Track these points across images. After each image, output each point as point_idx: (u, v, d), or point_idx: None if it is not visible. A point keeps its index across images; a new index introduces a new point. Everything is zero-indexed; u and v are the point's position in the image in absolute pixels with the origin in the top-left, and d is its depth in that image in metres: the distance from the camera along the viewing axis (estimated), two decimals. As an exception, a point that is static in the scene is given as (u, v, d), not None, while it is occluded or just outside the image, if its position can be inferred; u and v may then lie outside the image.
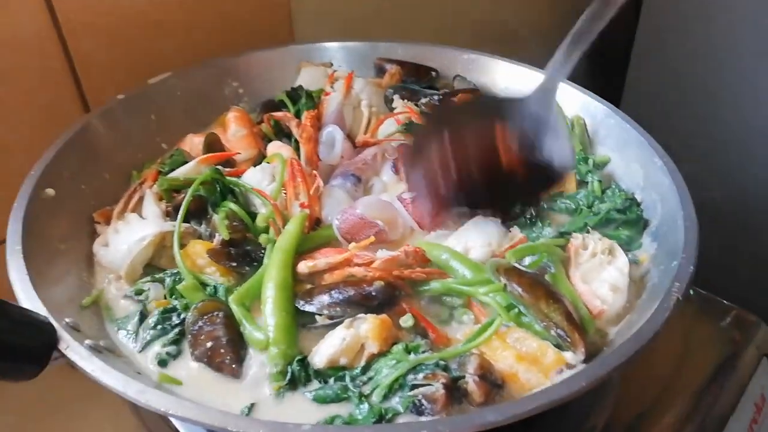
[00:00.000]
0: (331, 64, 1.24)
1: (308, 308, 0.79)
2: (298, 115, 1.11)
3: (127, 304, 0.85)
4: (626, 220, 0.90)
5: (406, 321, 0.77)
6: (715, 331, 1.01)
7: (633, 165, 0.96)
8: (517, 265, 0.80)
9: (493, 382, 0.70)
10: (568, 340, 0.73)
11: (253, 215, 0.91)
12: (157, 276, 0.86)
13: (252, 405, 0.71)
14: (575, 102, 1.07)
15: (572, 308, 0.76)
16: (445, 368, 0.72)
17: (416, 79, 1.20)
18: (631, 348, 0.68)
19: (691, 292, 0.75)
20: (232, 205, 0.90)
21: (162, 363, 0.77)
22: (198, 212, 0.93)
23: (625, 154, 0.99)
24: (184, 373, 0.76)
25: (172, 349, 0.78)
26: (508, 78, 1.16)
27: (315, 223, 0.92)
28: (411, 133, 0.96)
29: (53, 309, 0.73)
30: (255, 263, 0.85)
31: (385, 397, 0.70)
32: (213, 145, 1.04)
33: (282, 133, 1.10)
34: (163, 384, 0.74)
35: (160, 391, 0.67)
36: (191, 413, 0.62)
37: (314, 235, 0.90)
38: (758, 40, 1.50)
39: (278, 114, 1.10)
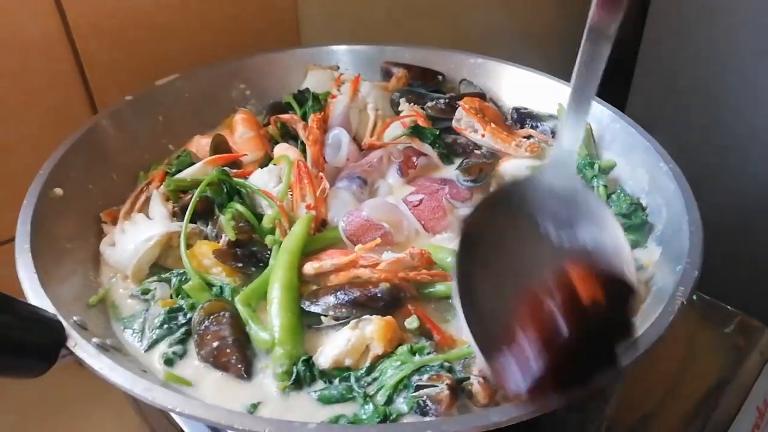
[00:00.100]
0: (338, 67, 1.24)
1: (314, 309, 0.79)
2: (304, 117, 1.11)
3: (134, 303, 0.85)
4: (631, 225, 0.90)
5: (411, 323, 0.77)
6: (718, 336, 1.01)
7: (638, 170, 0.96)
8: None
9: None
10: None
11: (259, 216, 0.91)
12: (163, 276, 0.87)
13: (257, 404, 0.72)
14: (581, 106, 1.07)
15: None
16: (450, 370, 0.72)
17: (423, 82, 1.20)
18: (635, 351, 0.68)
19: (695, 297, 0.75)
20: (239, 206, 0.91)
21: (168, 362, 0.77)
22: (204, 213, 0.93)
23: (630, 158, 0.99)
24: (190, 372, 0.76)
25: (178, 348, 0.78)
26: (515, 83, 1.16)
27: (321, 224, 0.93)
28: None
29: (61, 307, 0.73)
30: (261, 264, 0.85)
31: (390, 397, 0.71)
32: (220, 146, 1.04)
33: (288, 135, 1.11)
34: (169, 383, 0.74)
35: (166, 389, 0.68)
36: (198, 411, 0.63)
37: (320, 236, 0.91)
38: (762, 43, 1.50)
39: (285, 116, 1.11)
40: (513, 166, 1.04)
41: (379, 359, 0.74)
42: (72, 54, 1.09)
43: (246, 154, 1.04)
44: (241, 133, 1.08)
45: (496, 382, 0.63)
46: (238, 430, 0.61)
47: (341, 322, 0.78)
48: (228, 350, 0.76)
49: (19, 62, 1.04)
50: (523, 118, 1.12)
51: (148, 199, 0.96)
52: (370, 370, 0.74)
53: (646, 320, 0.73)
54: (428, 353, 0.74)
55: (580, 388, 0.52)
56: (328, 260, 0.84)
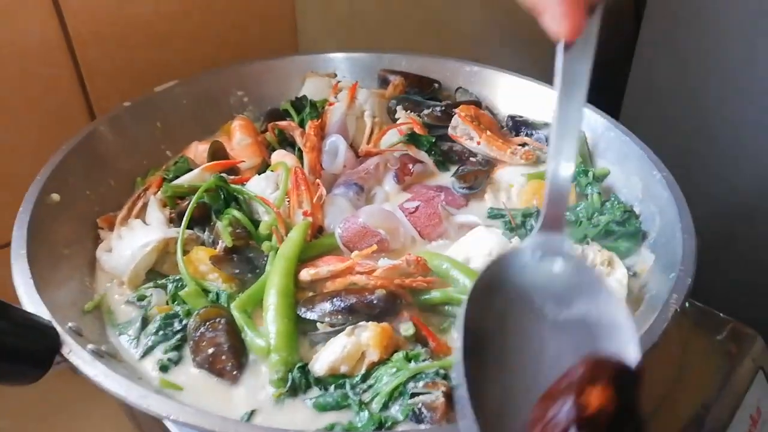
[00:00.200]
0: (335, 75, 1.25)
1: (310, 316, 0.79)
2: (302, 124, 1.12)
3: (129, 309, 0.85)
4: (625, 232, 0.91)
5: (407, 329, 0.77)
6: (711, 344, 1.02)
7: (632, 178, 0.97)
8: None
9: (492, 392, 0.71)
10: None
11: (256, 223, 0.92)
12: (159, 282, 0.87)
13: (252, 411, 0.72)
14: (576, 115, 1.08)
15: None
16: (445, 377, 0.72)
17: (419, 90, 1.21)
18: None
19: (687, 304, 0.75)
20: (236, 213, 0.91)
21: (163, 368, 0.77)
22: (201, 219, 0.93)
23: (624, 166, 1.00)
24: (186, 378, 0.76)
25: (173, 354, 0.78)
26: (511, 91, 1.17)
27: (317, 231, 0.93)
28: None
29: (56, 313, 0.73)
30: (257, 270, 0.86)
31: (385, 405, 0.71)
32: (218, 152, 1.05)
33: (286, 142, 1.11)
34: (164, 389, 0.74)
35: (161, 396, 0.68)
36: (192, 418, 0.63)
37: (316, 243, 0.91)
38: (753, 52, 1.51)
39: (282, 123, 1.11)
40: (508, 174, 1.05)
41: (374, 366, 0.74)
42: (71, 60, 1.10)
43: (243, 161, 1.05)
44: (238, 139, 1.09)
45: None
46: (233, 437, 0.61)
47: (337, 328, 0.78)
48: (223, 357, 0.76)
49: (18, 67, 1.04)
50: (519, 126, 1.13)
51: (145, 205, 0.96)
52: (365, 377, 0.74)
53: (639, 328, 0.74)
54: (424, 360, 0.74)
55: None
56: (325, 267, 0.85)
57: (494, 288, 0.59)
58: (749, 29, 1.51)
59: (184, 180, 0.98)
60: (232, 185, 0.96)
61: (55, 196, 0.89)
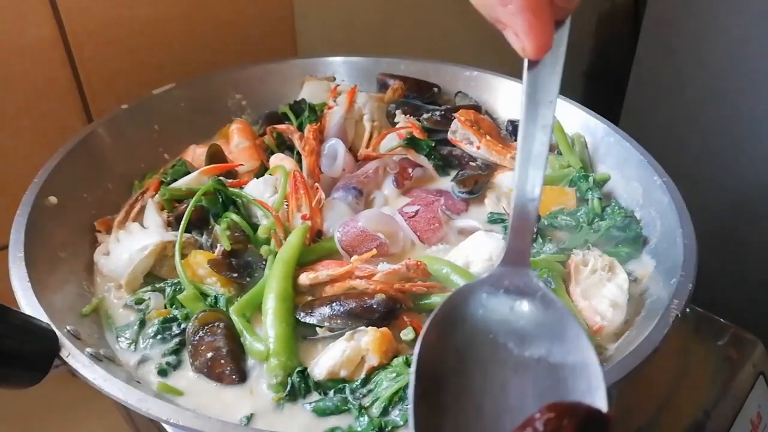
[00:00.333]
0: (334, 78, 1.25)
1: (309, 320, 0.79)
2: (300, 128, 1.12)
3: (127, 313, 0.85)
4: (626, 238, 0.91)
5: (407, 334, 0.77)
6: (712, 349, 1.02)
7: (633, 183, 0.97)
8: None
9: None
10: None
11: (254, 226, 0.91)
12: (157, 285, 0.86)
13: (251, 415, 0.71)
14: (576, 120, 1.08)
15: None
16: (446, 382, 0.72)
17: (418, 94, 1.21)
18: (630, 364, 0.68)
19: (688, 310, 0.75)
20: (234, 216, 0.91)
21: (162, 373, 0.77)
22: (199, 222, 0.93)
23: (624, 172, 1.00)
24: (184, 383, 0.76)
25: (172, 359, 0.78)
26: (510, 95, 1.17)
27: (316, 235, 0.93)
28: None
29: (54, 316, 0.73)
30: (256, 274, 0.85)
31: (385, 409, 0.71)
32: (216, 156, 1.04)
33: (284, 145, 1.11)
34: (163, 393, 0.74)
35: (160, 399, 0.67)
36: (191, 422, 0.62)
37: (315, 247, 0.91)
38: (757, 61, 1.52)
39: (281, 126, 1.11)
40: (508, 178, 1.05)
41: (374, 371, 0.74)
42: (68, 62, 1.09)
43: (242, 164, 1.04)
44: (237, 142, 1.08)
45: None
46: (233, 441, 0.60)
47: (336, 333, 0.77)
48: (222, 361, 0.75)
49: (14, 69, 1.04)
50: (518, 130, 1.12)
51: (143, 209, 0.95)
52: (365, 381, 0.74)
53: (640, 333, 0.74)
54: (424, 365, 0.74)
55: None
56: (324, 271, 0.84)
57: (454, 323, 0.55)
58: (748, 34, 1.52)
59: (182, 183, 0.98)
60: (231, 188, 0.95)
61: (53, 199, 0.89)
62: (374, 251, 0.87)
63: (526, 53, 0.51)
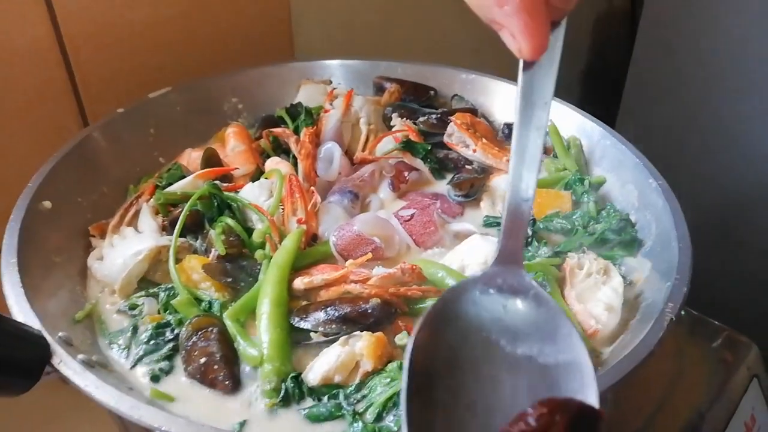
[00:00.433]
0: (331, 82, 1.25)
1: (303, 325, 0.79)
2: (296, 131, 1.11)
3: (121, 318, 0.84)
4: (621, 241, 0.91)
5: (402, 339, 0.77)
6: (706, 352, 1.02)
7: (628, 186, 0.97)
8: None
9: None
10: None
11: (249, 231, 0.91)
12: (151, 290, 0.86)
13: (244, 422, 0.71)
14: (571, 123, 1.08)
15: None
16: (440, 387, 0.72)
17: (415, 97, 1.21)
18: (625, 368, 0.68)
19: (683, 312, 0.75)
20: (229, 220, 0.90)
21: (154, 378, 0.76)
22: (194, 227, 0.93)
23: (620, 175, 0.99)
24: (177, 388, 0.75)
25: (165, 364, 0.78)
26: (507, 98, 1.17)
27: (312, 239, 0.93)
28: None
29: (47, 322, 0.72)
30: (250, 279, 0.85)
31: (380, 415, 0.70)
32: (211, 159, 1.04)
33: (280, 149, 1.11)
34: (155, 400, 0.74)
35: (152, 406, 0.67)
36: (184, 429, 0.62)
37: (311, 251, 0.90)
38: (754, 62, 1.52)
39: (277, 130, 1.11)
40: (504, 182, 1.05)
41: (368, 376, 0.74)
42: (64, 64, 1.09)
43: (237, 168, 1.04)
44: (232, 146, 1.08)
45: None
46: (225, 448, 0.60)
47: (331, 338, 0.77)
48: (216, 366, 0.75)
49: (9, 72, 1.03)
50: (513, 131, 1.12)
51: (137, 213, 0.95)
52: (359, 387, 0.73)
53: (635, 337, 0.73)
54: (418, 370, 0.73)
55: None
56: (319, 275, 0.84)
57: (447, 320, 0.55)
58: (745, 35, 1.52)
59: (177, 187, 0.97)
60: (226, 193, 0.95)
61: (47, 204, 0.89)
62: (369, 255, 0.87)
63: (523, 54, 0.51)
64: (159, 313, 0.83)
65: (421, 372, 0.52)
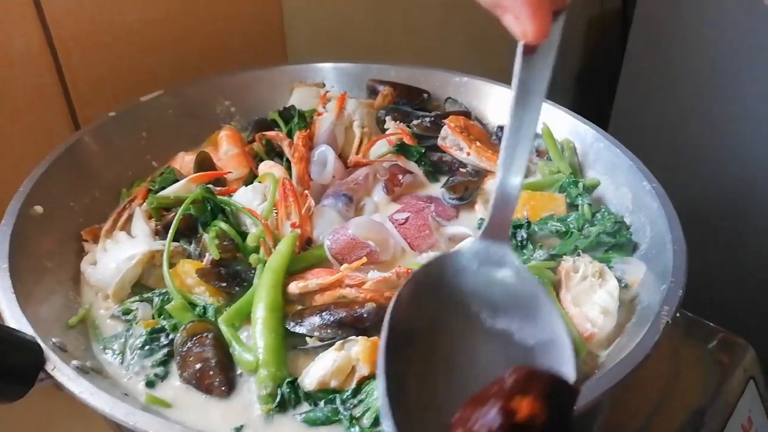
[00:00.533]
0: (324, 85, 1.24)
1: (299, 330, 0.78)
2: (290, 134, 1.11)
3: (115, 323, 0.84)
4: (616, 244, 0.91)
5: (398, 343, 0.76)
6: (702, 353, 1.02)
7: (622, 188, 0.97)
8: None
9: (484, 406, 0.70)
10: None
11: (243, 235, 0.90)
12: (145, 295, 0.85)
13: (240, 427, 0.71)
14: (565, 125, 1.08)
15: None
16: (437, 391, 0.71)
17: (408, 100, 1.21)
18: (622, 371, 0.68)
19: (678, 315, 0.75)
20: (223, 225, 0.90)
21: (149, 384, 0.76)
22: (188, 231, 0.92)
23: (614, 177, 1.00)
24: (172, 394, 0.75)
25: (159, 370, 0.77)
26: (500, 101, 1.17)
27: (306, 243, 0.92)
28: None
29: (40, 328, 0.72)
30: (245, 283, 0.84)
31: (376, 420, 0.70)
32: (204, 163, 1.04)
33: (274, 152, 1.10)
34: (151, 406, 0.73)
35: (147, 413, 0.66)
36: (179, 436, 0.62)
37: (305, 255, 0.90)
38: (746, 63, 1.53)
39: (270, 133, 1.10)
40: (498, 185, 1.04)
41: (365, 380, 0.73)
42: (55, 69, 1.08)
43: (230, 172, 1.03)
44: (225, 150, 1.07)
45: None
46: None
47: (327, 342, 0.77)
48: (211, 372, 0.75)
49: (0, 76, 1.02)
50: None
51: (130, 217, 0.94)
52: (356, 391, 0.73)
53: (631, 339, 0.73)
54: (414, 374, 0.73)
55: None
56: (314, 279, 0.84)
57: (431, 286, 0.57)
58: (737, 36, 1.53)
59: (170, 191, 0.97)
60: (219, 197, 0.94)
61: (38, 208, 0.88)
62: (364, 259, 0.87)
63: (527, 36, 0.52)
64: (153, 318, 0.83)
65: (400, 330, 0.53)
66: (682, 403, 0.94)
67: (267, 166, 1.05)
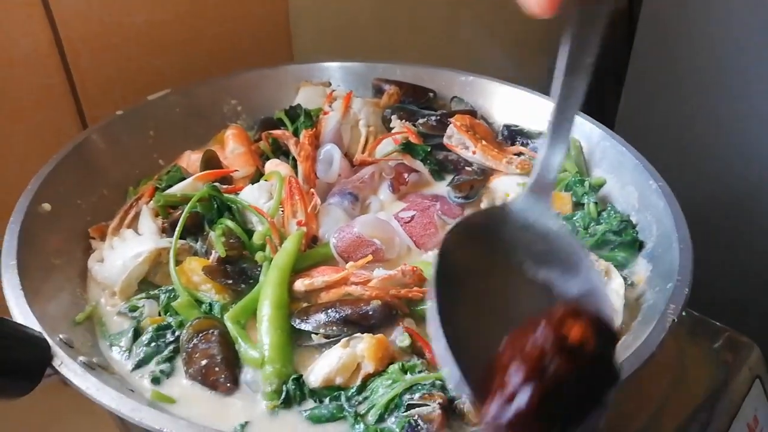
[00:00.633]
0: (330, 84, 1.25)
1: (304, 327, 0.78)
2: (296, 133, 1.11)
3: (121, 320, 0.84)
4: (622, 242, 0.91)
5: (403, 341, 0.77)
6: (707, 353, 1.02)
7: (628, 187, 0.97)
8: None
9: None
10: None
11: (249, 233, 0.91)
12: (151, 292, 0.86)
13: (246, 423, 0.71)
14: (571, 124, 1.08)
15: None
16: (442, 388, 0.71)
17: (414, 99, 1.21)
18: (628, 369, 0.67)
19: (684, 313, 0.75)
20: (229, 222, 0.90)
21: (155, 380, 0.76)
22: (194, 229, 0.93)
23: (620, 176, 0.99)
24: (178, 390, 0.75)
25: (165, 366, 0.77)
26: (506, 100, 1.17)
27: (312, 241, 0.92)
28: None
29: (47, 325, 0.72)
30: (251, 281, 0.85)
31: (381, 417, 0.70)
32: (211, 161, 1.04)
33: (280, 151, 1.11)
34: (157, 402, 0.73)
35: (153, 408, 0.67)
36: (185, 431, 0.62)
37: (311, 253, 0.90)
38: (752, 62, 1.53)
39: (276, 132, 1.11)
40: (503, 183, 1.05)
41: (370, 378, 0.74)
42: (63, 68, 1.09)
43: (237, 170, 1.04)
44: (232, 148, 1.08)
45: (476, 409, 0.61)
46: (227, 450, 0.60)
47: (332, 340, 0.77)
48: (217, 369, 0.75)
49: (8, 75, 1.03)
50: (514, 135, 1.13)
51: (137, 215, 0.95)
52: (361, 388, 0.73)
53: (637, 338, 0.73)
54: (420, 372, 0.73)
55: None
56: (319, 277, 0.84)
57: (477, 233, 0.60)
58: (744, 34, 1.52)
59: (177, 189, 0.97)
60: (226, 195, 0.95)
61: (47, 206, 0.88)
62: (370, 257, 0.87)
63: (540, 6, 0.53)
64: (160, 315, 0.83)
65: (446, 264, 0.56)
66: (687, 402, 0.94)
67: (273, 165, 1.05)
